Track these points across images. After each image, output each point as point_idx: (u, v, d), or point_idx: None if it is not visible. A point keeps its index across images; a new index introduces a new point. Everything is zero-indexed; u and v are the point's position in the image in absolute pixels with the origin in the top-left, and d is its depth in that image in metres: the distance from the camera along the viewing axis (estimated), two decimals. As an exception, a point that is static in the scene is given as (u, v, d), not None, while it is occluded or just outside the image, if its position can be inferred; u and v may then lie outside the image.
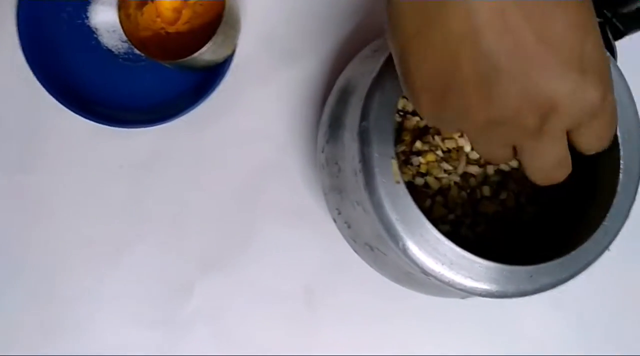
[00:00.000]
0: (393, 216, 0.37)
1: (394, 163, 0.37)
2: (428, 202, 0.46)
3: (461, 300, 0.49)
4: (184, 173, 0.50)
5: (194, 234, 0.50)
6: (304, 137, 0.51)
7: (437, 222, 0.47)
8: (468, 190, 0.48)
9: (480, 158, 0.48)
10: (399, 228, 0.37)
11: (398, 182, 0.37)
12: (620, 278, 0.54)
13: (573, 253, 0.39)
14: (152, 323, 0.49)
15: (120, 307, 0.49)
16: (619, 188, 0.40)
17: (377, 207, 0.37)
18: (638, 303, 0.56)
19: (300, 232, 0.51)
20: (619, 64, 0.43)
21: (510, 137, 0.29)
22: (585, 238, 0.40)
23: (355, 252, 0.47)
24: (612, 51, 0.42)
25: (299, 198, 0.50)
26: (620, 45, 0.43)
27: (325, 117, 0.46)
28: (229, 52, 0.48)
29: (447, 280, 0.38)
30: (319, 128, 0.47)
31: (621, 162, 0.40)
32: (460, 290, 0.38)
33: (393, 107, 0.38)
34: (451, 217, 0.47)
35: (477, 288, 0.38)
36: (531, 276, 0.39)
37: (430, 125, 0.37)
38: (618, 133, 0.41)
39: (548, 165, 0.30)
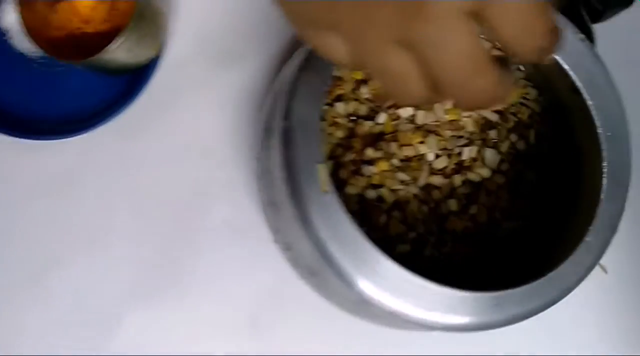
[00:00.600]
0: (323, 233, 0.31)
1: (322, 169, 0.31)
2: (383, 218, 0.40)
3: (430, 333, 0.41)
4: (110, 190, 0.44)
5: (123, 258, 0.44)
6: (245, 146, 0.45)
7: (394, 241, 0.40)
8: (432, 205, 0.41)
9: (445, 167, 0.42)
10: (331, 247, 0.31)
11: (326, 192, 0.31)
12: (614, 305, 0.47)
13: (549, 275, 0.32)
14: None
15: (37, 340, 0.43)
16: (602, 196, 0.33)
17: (305, 221, 0.31)
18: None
19: (244, 255, 0.44)
20: (598, 50, 0.36)
21: (391, 25, 0.21)
22: (563, 259, 0.33)
23: (299, 277, 0.40)
24: (589, 35, 0.36)
25: (242, 216, 0.44)
26: (598, 28, 0.37)
27: (262, 120, 0.40)
28: (152, 53, 0.43)
29: (390, 309, 0.31)
30: (257, 134, 0.41)
31: (604, 164, 0.34)
32: (408, 321, 0.31)
33: (320, 103, 0.32)
34: (412, 235, 0.40)
35: (427, 320, 0.31)
36: (497, 304, 0.32)
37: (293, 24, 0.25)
38: (599, 130, 0.34)
39: (454, 66, 0.21)
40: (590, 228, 0.33)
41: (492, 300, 0.31)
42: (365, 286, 0.31)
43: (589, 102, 0.34)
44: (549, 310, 0.34)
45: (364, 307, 0.35)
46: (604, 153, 0.33)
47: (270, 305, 0.44)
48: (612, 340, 0.48)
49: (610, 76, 0.34)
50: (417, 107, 0.33)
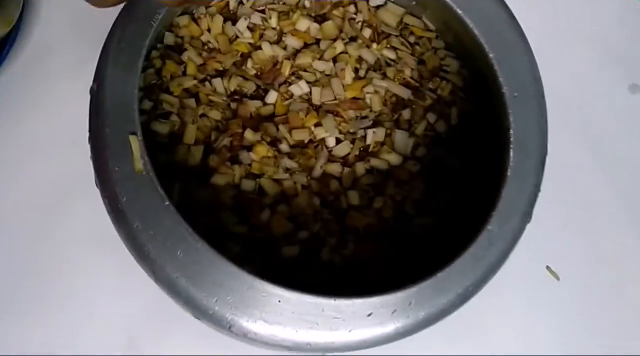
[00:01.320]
0: (134, 223, 0.24)
1: (134, 142, 0.24)
2: (265, 215, 0.33)
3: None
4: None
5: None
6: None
7: (280, 242, 0.33)
8: (331, 198, 0.34)
9: (348, 155, 0.35)
10: (145, 241, 0.24)
11: (141, 172, 0.24)
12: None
13: (437, 276, 0.25)
14: None
15: None
16: (509, 173, 0.26)
17: (113, 210, 0.24)
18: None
19: (118, 265, 0.37)
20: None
21: None
22: (458, 254, 0.26)
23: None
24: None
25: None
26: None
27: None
28: (0, 30, 0.37)
29: (225, 325, 0.24)
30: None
31: (510, 132, 0.27)
32: (251, 339, 0.24)
33: (137, 59, 0.25)
34: (303, 234, 0.33)
35: (275, 336, 0.23)
36: (369, 314, 0.24)
37: None
38: (504, 89, 0.27)
39: None
40: (494, 213, 0.25)
41: (362, 307, 0.24)
42: (192, 292, 0.24)
43: (490, 55, 0.27)
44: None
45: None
46: (510, 119, 0.26)
47: (151, 320, 0.37)
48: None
49: (518, 24, 0.27)
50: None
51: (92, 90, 0.25)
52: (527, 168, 0.26)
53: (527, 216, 0.26)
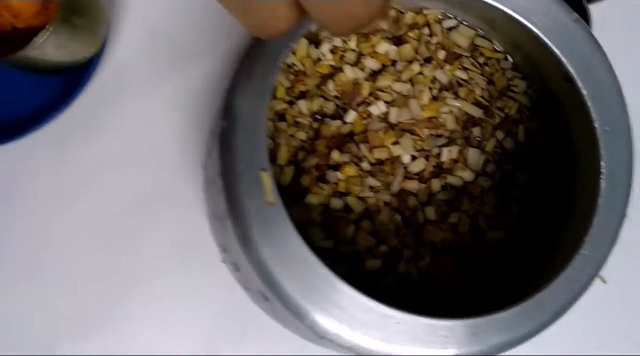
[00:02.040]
0: (266, 252, 0.26)
1: (265, 177, 0.26)
2: (351, 230, 0.35)
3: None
4: (44, 204, 0.39)
5: (57, 284, 0.39)
6: (194, 154, 0.40)
7: (363, 256, 0.35)
8: (407, 213, 0.36)
9: (423, 171, 0.37)
10: (275, 269, 0.26)
11: (272, 204, 0.26)
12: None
13: (538, 296, 0.27)
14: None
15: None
16: (600, 202, 0.28)
17: (245, 239, 0.26)
18: None
19: (195, 276, 0.39)
20: (595, 32, 0.31)
21: None
22: (555, 276, 0.28)
23: (254, 302, 0.35)
24: (584, 15, 0.31)
25: (191, 232, 0.39)
26: (595, 9, 0.32)
27: (212, 125, 0.36)
28: (90, 51, 0.38)
29: (347, 344, 0.26)
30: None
31: (602, 164, 0.29)
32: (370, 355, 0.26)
33: (265, 97, 0.27)
34: (383, 248, 0.35)
35: (393, 354, 0.26)
36: (475, 333, 0.27)
37: None
38: (596, 124, 0.29)
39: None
40: (586, 239, 0.28)
41: (470, 328, 0.27)
42: (318, 316, 0.26)
43: (584, 92, 0.29)
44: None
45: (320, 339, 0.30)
46: (602, 151, 0.28)
47: (225, 332, 0.39)
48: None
49: (608, 61, 0.29)
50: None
51: (222, 128, 0.26)
52: (616, 197, 0.28)
53: (614, 240, 0.28)
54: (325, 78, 0.38)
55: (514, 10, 0.31)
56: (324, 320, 0.26)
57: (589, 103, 0.28)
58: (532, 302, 0.27)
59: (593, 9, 0.32)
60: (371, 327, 0.26)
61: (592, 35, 0.31)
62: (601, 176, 0.28)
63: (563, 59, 0.30)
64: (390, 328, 0.26)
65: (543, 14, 0.30)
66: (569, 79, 0.31)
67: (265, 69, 0.27)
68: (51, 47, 0.34)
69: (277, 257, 0.26)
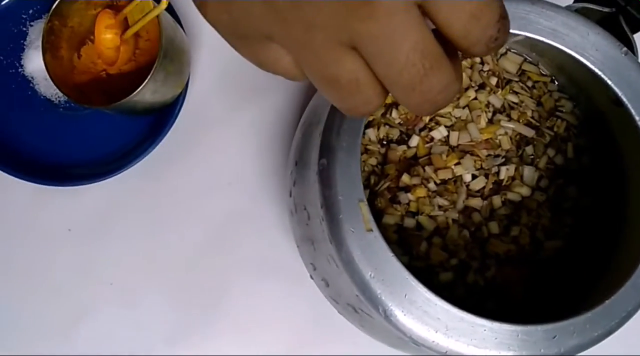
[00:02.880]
0: (367, 273, 0.30)
1: (364, 207, 0.30)
2: (424, 246, 0.38)
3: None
4: (140, 231, 0.44)
5: (156, 301, 0.43)
6: (275, 180, 0.44)
7: (436, 270, 0.39)
8: (472, 228, 0.40)
9: (483, 188, 0.41)
10: (376, 288, 0.30)
11: (370, 230, 0.30)
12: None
13: (606, 303, 0.31)
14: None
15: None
16: (654, 216, 0.32)
17: (347, 262, 0.30)
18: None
19: (281, 291, 0.43)
20: (640, 61, 0.35)
21: (334, 27, 0.19)
22: (621, 282, 0.31)
23: (340, 313, 0.39)
24: (630, 46, 0.34)
25: (274, 252, 0.43)
26: (639, 38, 0.35)
27: (291, 155, 0.39)
28: (177, 91, 0.42)
29: (443, 350, 0.30)
30: (287, 169, 0.40)
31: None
32: (462, 361, 0.30)
33: (358, 137, 0.31)
34: (454, 261, 0.39)
35: (482, 358, 0.30)
36: (554, 337, 0.30)
37: (224, 36, 0.24)
38: (647, 146, 0.33)
39: (407, 64, 0.19)
40: (647, 250, 0.31)
41: (548, 332, 0.30)
42: (415, 327, 0.29)
43: (636, 118, 0.32)
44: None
45: (412, 346, 0.34)
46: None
47: (311, 341, 0.43)
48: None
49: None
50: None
51: (322, 165, 0.30)
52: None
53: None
54: (389, 107, 0.42)
55: (567, 47, 0.34)
56: (421, 330, 0.29)
57: (640, 127, 0.32)
58: (603, 308, 0.30)
59: (637, 37, 0.36)
60: (463, 334, 0.29)
61: (637, 63, 0.34)
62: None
63: (615, 88, 0.33)
64: (479, 335, 0.29)
65: (595, 48, 0.33)
66: (619, 103, 0.34)
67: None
68: (149, 92, 0.38)
69: (377, 277, 0.29)
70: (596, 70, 0.33)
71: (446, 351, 0.30)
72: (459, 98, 0.41)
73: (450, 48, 0.20)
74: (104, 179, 0.43)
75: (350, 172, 0.30)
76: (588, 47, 0.34)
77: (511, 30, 0.35)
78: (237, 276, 0.43)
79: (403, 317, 0.29)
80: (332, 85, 0.21)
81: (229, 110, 0.45)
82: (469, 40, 0.19)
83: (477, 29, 0.19)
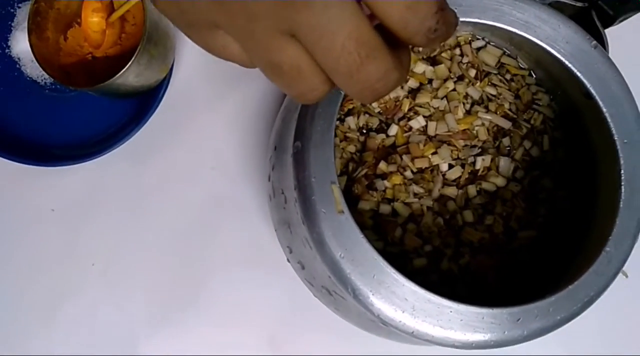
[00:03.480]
0: (338, 253, 0.30)
1: (335, 189, 0.31)
2: (398, 232, 0.39)
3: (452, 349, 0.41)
4: (123, 213, 0.44)
5: (137, 283, 0.44)
6: (257, 165, 0.45)
7: (411, 256, 0.39)
8: (447, 216, 0.41)
9: (459, 178, 0.42)
10: (346, 267, 0.30)
11: (341, 212, 0.31)
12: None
13: (570, 288, 0.32)
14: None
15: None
16: (621, 205, 0.33)
17: (319, 243, 0.31)
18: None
19: (258, 275, 0.44)
20: (611, 55, 0.36)
21: (273, 16, 0.20)
22: (584, 270, 0.32)
23: (316, 296, 0.40)
24: (602, 40, 0.35)
25: (255, 236, 0.44)
26: (610, 33, 0.36)
27: (271, 140, 0.40)
28: (161, 76, 0.42)
29: (410, 331, 0.30)
30: (267, 154, 0.41)
31: (622, 171, 0.33)
32: (428, 341, 0.31)
33: (332, 122, 0.32)
34: (427, 248, 0.39)
35: (448, 338, 0.31)
36: (518, 320, 0.31)
37: (175, 24, 0.24)
38: (615, 138, 0.34)
39: (344, 52, 0.20)
40: (610, 237, 0.32)
41: (513, 315, 0.31)
42: (383, 307, 0.30)
43: (604, 109, 0.33)
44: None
45: (382, 327, 0.34)
46: (621, 161, 0.32)
47: (287, 323, 0.44)
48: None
49: (625, 81, 0.33)
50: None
51: (296, 148, 0.31)
52: (635, 201, 0.32)
53: (635, 238, 0.32)
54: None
55: (538, 38, 0.35)
56: (389, 310, 0.30)
57: (609, 120, 0.33)
58: (566, 293, 0.31)
59: (608, 32, 0.36)
60: (429, 315, 0.30)
61: (609, 58, 0.35)
62: (622, 184, 0.32)
63: (584, 80, 0.34)
64: (445, 316, 0.30)
65: (565, 41, 0.34)
66: (589, 97, 0.35)
67: (333, 95, 0.31)
68: (132, 76, 0.39)
69: (348, 257, 0.30)
70: (566, 62, 0.34)
71: (413, 332, 0.31)
72: (437, 89, 0.42)
73: (397, 39, 0.21)
74: (88, 160, 0.43)
75: (323, 155, 0.31)
76: (559, 39, 0.34)
77: (485, 21, 0.36)
78: (217, 260, 0.44)
79: (371, 297, 0.30)
80: (276, 72, 0.21)
81: (212, 96, 0.46)
82: (408, 31, 0.20)
83: (415, 20, 0.20)
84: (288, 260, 0.40)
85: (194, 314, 0.43)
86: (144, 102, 0.44)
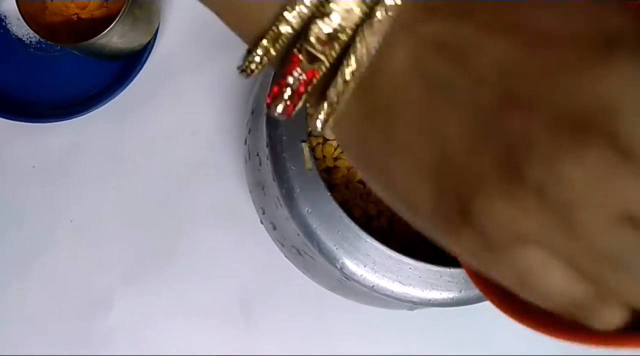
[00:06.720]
0: (305, 208, 0.32)
1: (305, 147, 0.32)
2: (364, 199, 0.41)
3: (411, 312, 0.43)
4: (103, 173, 0.45)
5: (114, 240, 0.45)
6: (235, 131, 0.46)
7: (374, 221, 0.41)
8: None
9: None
10: (312, 222, 0.32)
11: (310, 170, 0.32)
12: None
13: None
14: (65, 342, 0.44)
15: (29, 325, 0.44)
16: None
17: (287, 198, 0.32)
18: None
19: (233, 237, 0.45)
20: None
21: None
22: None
23: (286, 257, 0.41)
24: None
25: (230, 198, 0.45)
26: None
27: (249, 104, 0.41)
28: (145, 39, 0.43)
29: (370, 284, 0.32)
30: (245, 118, 0.42)
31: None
32: (387, 296, 0.32)
33: (305, 83, 0.33)
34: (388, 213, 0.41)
35: (407, 294, 0.32)
36: (475, 279, 0.33)
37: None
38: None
39: None
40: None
41: (469, 275, 0.33)
42: (347, 261, 0.32)
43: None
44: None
45: (347, 284, 0.36)
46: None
47: (259, 282, 0.45)
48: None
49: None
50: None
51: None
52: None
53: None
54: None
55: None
56: (351, 264, 0.32)
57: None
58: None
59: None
60: (389, 271, 0.32)
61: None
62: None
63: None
64: (405, 272, 0.32)
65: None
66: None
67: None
68: (116, 36, 0.40)
69: (314, 213, 0.32)
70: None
71: (373, 286, 0.32)
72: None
73: None
74: (70, 118, 0.44)
75: (295, 115, 0.32)
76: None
77: None
78: (193, 221, 0.45)
79: (335, 251, 0.32)
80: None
81: (196, 62, 0.47)
82: None
83: None
84: (261, 222, 0.41)
85: (168, 272, 0.45)
86: (128, 64, 0.45)
